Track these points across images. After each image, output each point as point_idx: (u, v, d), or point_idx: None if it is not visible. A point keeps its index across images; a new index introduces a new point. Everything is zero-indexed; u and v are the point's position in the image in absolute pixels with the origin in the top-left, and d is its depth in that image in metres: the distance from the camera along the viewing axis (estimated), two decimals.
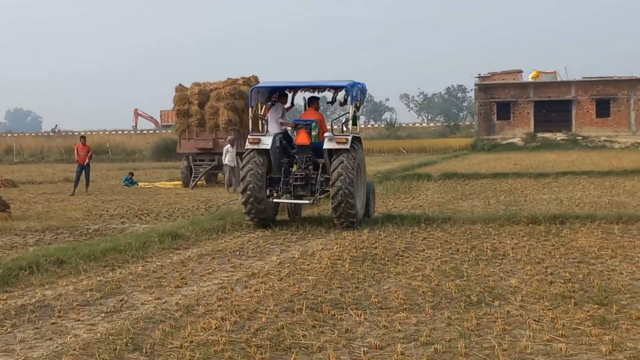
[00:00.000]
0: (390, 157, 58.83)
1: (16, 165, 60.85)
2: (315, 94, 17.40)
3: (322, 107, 17.12)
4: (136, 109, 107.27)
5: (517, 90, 68.52)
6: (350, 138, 15.46)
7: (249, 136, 16.32)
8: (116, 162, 59.30)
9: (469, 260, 11.39)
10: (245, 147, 16.35)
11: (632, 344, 6.68)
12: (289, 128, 16.76)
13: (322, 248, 13.05)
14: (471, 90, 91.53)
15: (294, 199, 16.47)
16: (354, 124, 16.93)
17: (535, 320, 7.61)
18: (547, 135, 65.37)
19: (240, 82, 31.30)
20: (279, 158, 16.20)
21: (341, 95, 17.07)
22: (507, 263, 11.19)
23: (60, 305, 8.94)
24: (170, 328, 7.66)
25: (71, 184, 28.60)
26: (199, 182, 30.60)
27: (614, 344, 6.64)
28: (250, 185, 15.46)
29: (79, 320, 8.23)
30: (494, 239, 13.58)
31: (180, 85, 31.54)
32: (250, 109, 17.63)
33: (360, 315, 8.07)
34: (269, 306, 8.60)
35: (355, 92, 16.53)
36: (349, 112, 16.88)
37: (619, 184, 25.58)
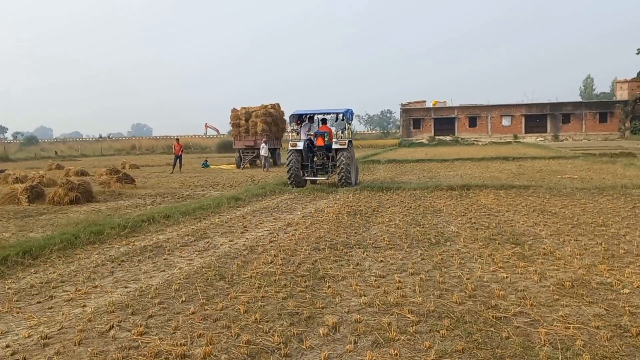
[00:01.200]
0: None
1: (138, 155, 58.87)
2: (325, 117, 17.48)
3: (328, 123, 17.38)
4: (206, 123, 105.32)
5: (424, 112, 67.39)
6: (347, 141, 16.11)
7: (290, 142, 16.81)
8: (196, 153, 57.70)
9: (420, 214, 10.29)
10: (288, 148, 16.57)
11: (552, 274, 5.67)
12: (312, 137, 16.90)
13: (327, 206, 11.92)
14: (395, 112, 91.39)
15: (317, 176, 16.72)
16: (347, 132, 18.05)
17: (478, 256, 6.60)
18: (442, 137, 64.56)
19: (269, 107, 30.29)
20: (307, 154, 16.48)
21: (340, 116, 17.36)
22: (444, 215, 10.06)
23: (169, 246, 7.84)
24: (241, 262, 6.60)
25: (171, 167, 27.22)
26: (246, 166, 29.47)
27: (539, 274, 5.64)
28: (293, 168, 16.11)
29: (181, 257, 7.16)
30: (430, 200, 12.48)
31: (234, 108, 30.45)
32: (290, 126, 18.40)
33: (363, 252, 7.03)
34: (303, 246, 7.53)
35: (349, 115, 17.10)
36: (345, 126, 18.07)
37: (491, 165, 24.53)
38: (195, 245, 7.91)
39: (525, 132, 63.04)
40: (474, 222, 9.15)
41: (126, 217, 9.96)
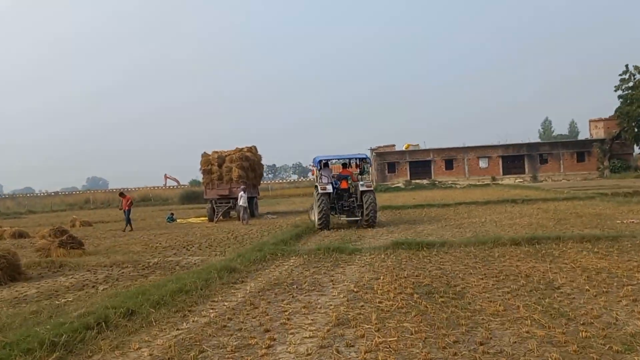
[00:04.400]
0: None
1: (92, 210, 53.55)
2: (346, 161, 18.86)
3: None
4: (165, 174, 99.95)
5: (399, 155, 65.03)
6: (371, 184, 16.94)
7: (319, 185, 16.87)
8: (157, 206, 52.95)
9: (534, 292, 6.70)
10: (318, 191, 16.70)
11: None
12: (335, 180, 17.56)
13: (369, 277, 8.17)
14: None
15: (346, 217, 17.31)
16: (369, 176, 19.10)
17: None
18: (418, 181, 62.08)
19: (245, 150, 26.58)
20: (334, 197, 17.15)
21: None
22: (576, 294, 6.54)
23: None
24: None
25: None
26: (219, 218, 25.42)
27: None
28: (325, 209, 16.35)
29: None
30: (509, 262, 8.93)
31: (205, 152, 26.54)
32: (315, 170, 18.70)
33: None
34: None
35: (368, 160, 18.45)
36: (365, 169, 18.80)
37: (508, 210, 21.31)
38: None
39: (503, 174, 61.23)
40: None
41: (60, 320, 5.89)
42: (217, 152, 26.48)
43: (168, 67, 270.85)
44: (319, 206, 16.34)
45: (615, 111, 55.64)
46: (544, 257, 9.09)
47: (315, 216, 17.09)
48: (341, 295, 7.10)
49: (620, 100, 54.68)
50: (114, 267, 11.04)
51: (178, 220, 26.56)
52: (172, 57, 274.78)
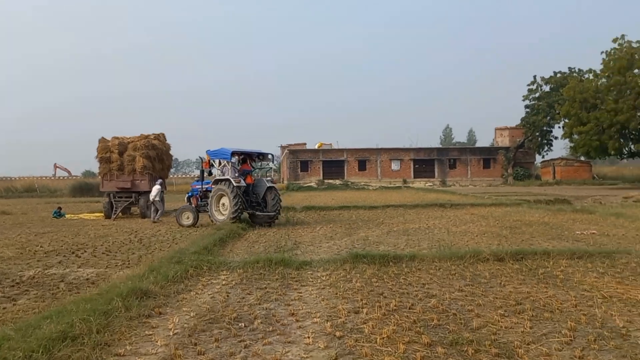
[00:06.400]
0: None
1: None
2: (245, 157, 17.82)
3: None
4: (55, 163, 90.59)
5: (312, 154, 63.28)
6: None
7: (233, 179, 16.14)
8: (44, 198, 46.95)
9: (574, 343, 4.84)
10: (234, 184, 15.97)
11: None
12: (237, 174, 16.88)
13: (348, 310, 5.84)
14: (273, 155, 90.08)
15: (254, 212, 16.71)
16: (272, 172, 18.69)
17: None
18: (331, 181, 60.86)
19: (151, 137, 23.14)
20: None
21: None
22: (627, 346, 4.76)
23: None
24: None
25: None
26: (118, 215, 21.85)
27: None
28: (241, 204, 15.97)
29: None
30: (509, 285, 7.06)
31: (102, 137, 22.71)
32: (208, 162, 17.50)
33: None
34: None
35: (270, 156, 18.03)
36: (267, 165, 18.77)
37: (446, 215, 20.01)
38: None
39: (414, 177, 61.74)
40: None
41: None
42: (117, 138, 22.83)
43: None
44: (234, 199, 15.81)
45: (521, 120, 57.89)
46: (549, 280, 7.30)
47: (230, 209, 16.02)
48: (320, 345, 4.74)
49: (527, 110, 56.93)
50: None
51: (67, 216, 22.59)
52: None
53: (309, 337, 4.96)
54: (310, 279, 7.80)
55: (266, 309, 6.09)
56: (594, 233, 12.98)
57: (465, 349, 4.49)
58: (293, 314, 5.86)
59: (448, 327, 5.17)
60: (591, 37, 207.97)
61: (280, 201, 17.13)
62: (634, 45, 39.92)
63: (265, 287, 7.25)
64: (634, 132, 39.92)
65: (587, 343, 4.61)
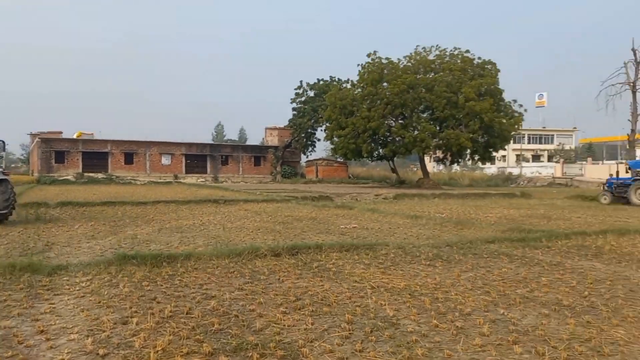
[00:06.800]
0: None
1: None
2: None
3: None
4: None
5: (70, 144, 56.74)
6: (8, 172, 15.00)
7: None
8: None
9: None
10: None
11: None
12: None
13: (109, 319, 5.05)
14: (8, 144, 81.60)
15: None
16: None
17: None
18: (92, 174, 55.34)
19: None
20: None
21: None
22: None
23: None
24: None
25: None
26: None
27: None
28: None
29: None
30: (274, 279, 7.02)
31: None
32: None
33: None
34: None
35: (4, 145, 15.73)
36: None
37: (220, 211, 19.66)
38: None
39: (186, 172, 60.41)
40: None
41: None
42: None
43: None
44: None
45: (289, 122, 61.31)
46: (323, 273, 7.50)
47: None
48: None
49: (294, 112, 60.47)
50: None
51: None
52: None
53: (62, 357, 4.04)
54: (67, 286, 6.63)
55: (4, 327, 4.87)
56: (355, 227, 14.12)
57: (250, 354, 4.16)
58: (43, 331, 4.79)
59: (230, 331, 4.78)
60: (348, 52, 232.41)
61: (14, 195, 14.76)
62: (384, 61, 45.51)
63: (5, 300, 5.88)
64: (382, 138, 45.45)
65: (364, 335, 4.70)
